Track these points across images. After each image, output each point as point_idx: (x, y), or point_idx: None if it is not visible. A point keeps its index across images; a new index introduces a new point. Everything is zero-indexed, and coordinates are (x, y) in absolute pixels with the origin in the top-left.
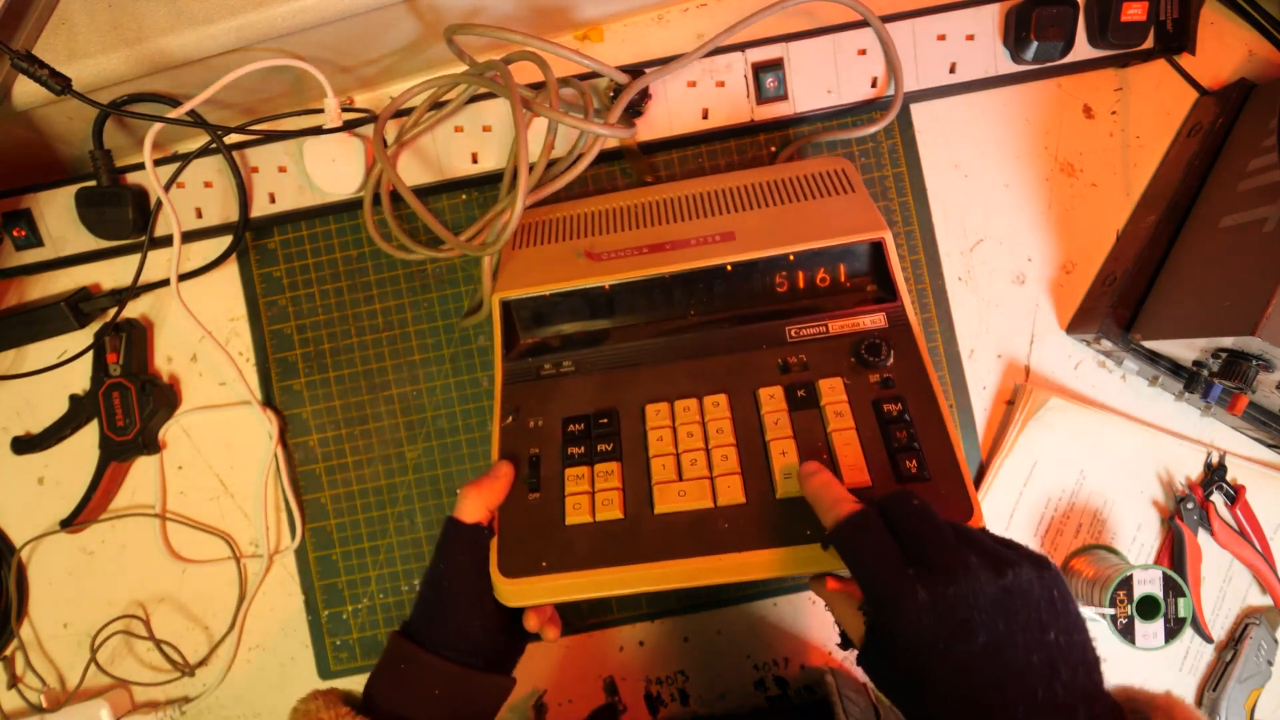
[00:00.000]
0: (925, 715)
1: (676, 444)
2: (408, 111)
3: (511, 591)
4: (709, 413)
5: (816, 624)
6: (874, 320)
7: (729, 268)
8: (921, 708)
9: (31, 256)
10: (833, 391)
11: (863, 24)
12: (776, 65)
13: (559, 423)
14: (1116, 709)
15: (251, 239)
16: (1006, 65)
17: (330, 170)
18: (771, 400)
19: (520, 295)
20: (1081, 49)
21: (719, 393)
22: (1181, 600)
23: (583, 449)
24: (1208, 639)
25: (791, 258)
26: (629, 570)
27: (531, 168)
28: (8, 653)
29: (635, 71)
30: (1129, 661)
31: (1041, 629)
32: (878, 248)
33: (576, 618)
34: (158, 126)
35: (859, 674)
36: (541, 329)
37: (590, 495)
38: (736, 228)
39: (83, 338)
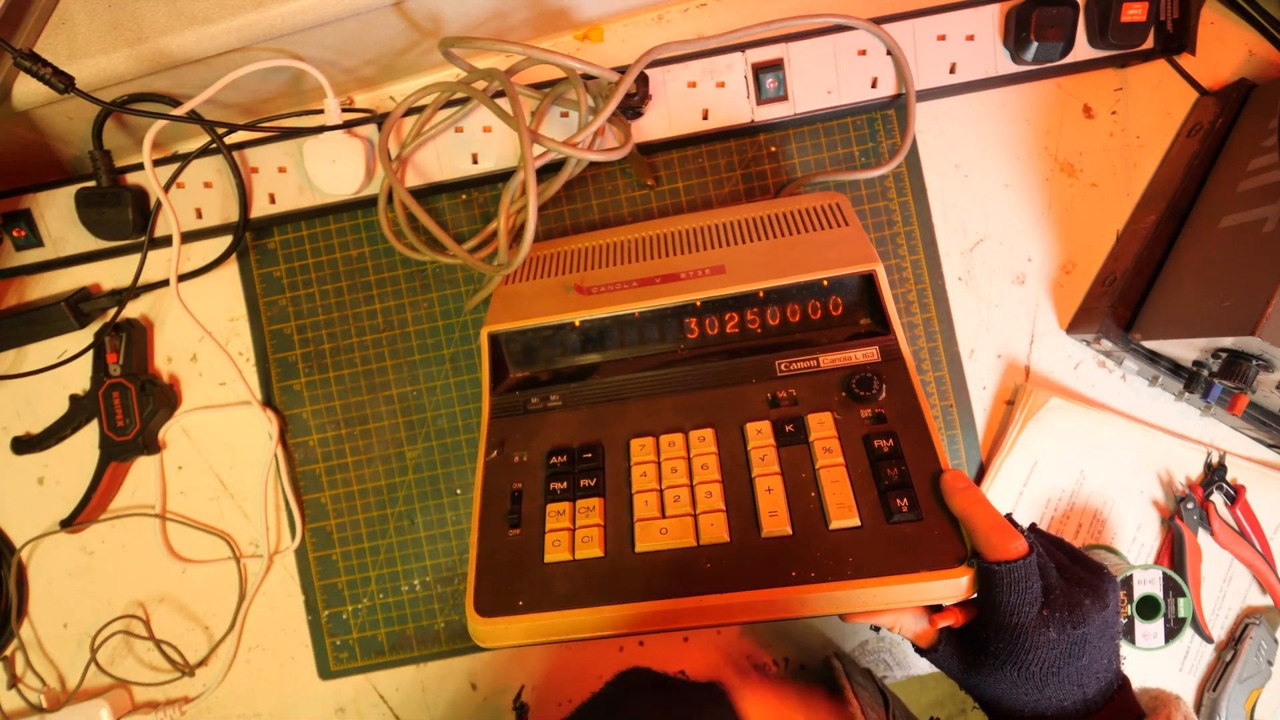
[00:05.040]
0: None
1: (660, 480)
2: (412, 111)
3: (486, 632)
4: (694, 448)
5: (816, 624)
6: (866, 354)
7: (718, 301)
8: (1004, 696)
9: (31, 256)
10: (821, 427)
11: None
12: (777, 66)
13: (542, 458)
14: (1126, 679)
15: (251, 239)
16: (1006, 65)
17: (330, 170)
18: (759, 435)
19: (508, 328)
20: (1081, 49)
21: (705, 427)
22: (1181, 600)
23: (565, 484)
24: (1208, 639)
25: (781, 291)
26: (606, 612)
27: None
28: (8, 653)
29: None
30: (1129, 662)
31: (1113, 637)
32: (869, 280)
33: None
34: (157, 126)
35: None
36: (530, 363)
37: (571, 532)
38: (727, 261)
39: (83, 338)
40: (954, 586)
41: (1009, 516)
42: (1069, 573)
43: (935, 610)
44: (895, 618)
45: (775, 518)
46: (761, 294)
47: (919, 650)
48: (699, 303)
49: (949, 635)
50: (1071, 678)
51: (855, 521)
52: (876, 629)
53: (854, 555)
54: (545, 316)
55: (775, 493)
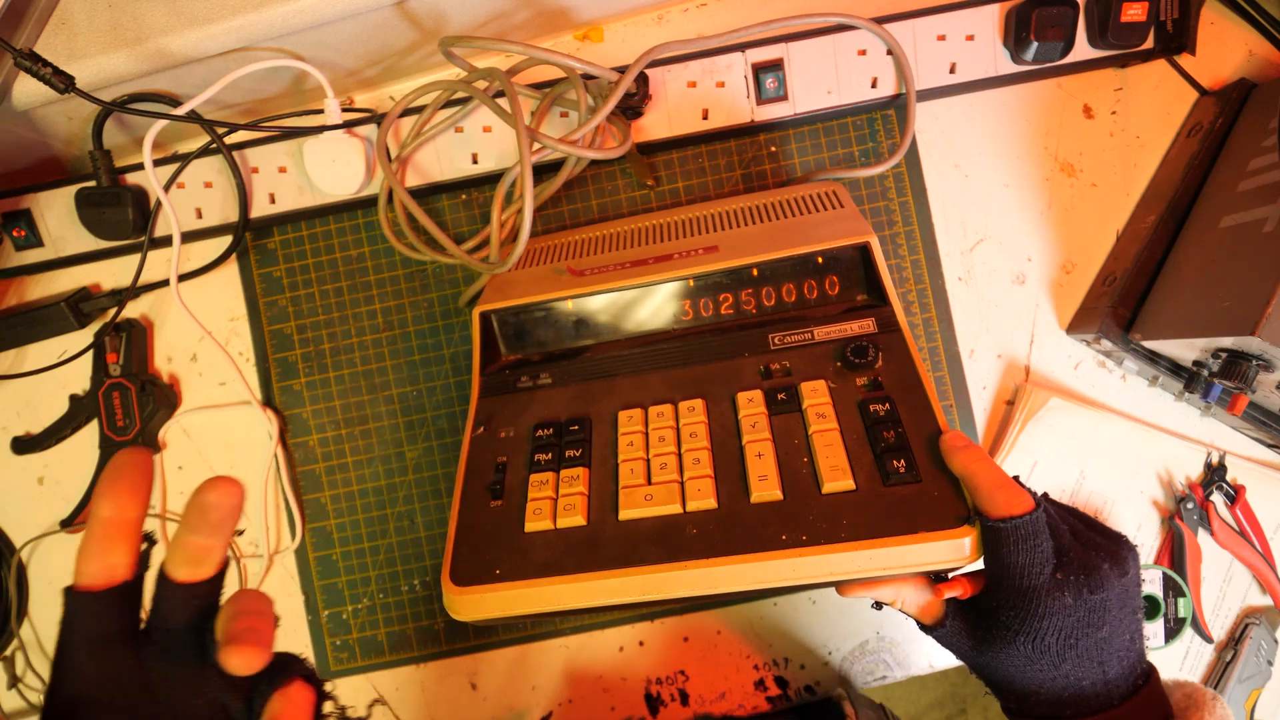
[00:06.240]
0: (1022, 677)
1: (648, 448)
2: (411, 111)
3: (462, 603)
4: (684, 417)
5: (816, 624)
6: (862, 325)
7: (710, 278)
8: (1017, 675)
9: (31, 256)
10: (815, 394)
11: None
12: (777, 66)
13: (529, 431)
14: (1154, 670)
15: (251, 239)
16: (1006, 65)
17: (330, 170)
18: (750, 404)
19: (499, 306)
20: (1081, 49)
21: (696, 398)
22: (1181, 600)
23: (550, 455)
24: (1208, 639)
25: (775, 267)
26: (585, 580)
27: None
28: (8, 653)
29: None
30: None
31: (1135, 610)
32: (864, 252)
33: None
34: (157, 126)
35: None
36: (522, 344)
37: (553, 501)
38: (720, 242)
39: (83, 338)
40: (956, 548)
41: (1017, 479)
42: (1084, 536)
43: (940, 581)
44: (896, 590)
45: (765, 482)
46: (755, 271)
47: (924, 628)
48: (691, 281)
49: (956, 609)
50: (1090, 652)
51: (849, 484)
52: (879, 606)
53: (848, 518)
54: (536, 296)
55: (766, 458)
